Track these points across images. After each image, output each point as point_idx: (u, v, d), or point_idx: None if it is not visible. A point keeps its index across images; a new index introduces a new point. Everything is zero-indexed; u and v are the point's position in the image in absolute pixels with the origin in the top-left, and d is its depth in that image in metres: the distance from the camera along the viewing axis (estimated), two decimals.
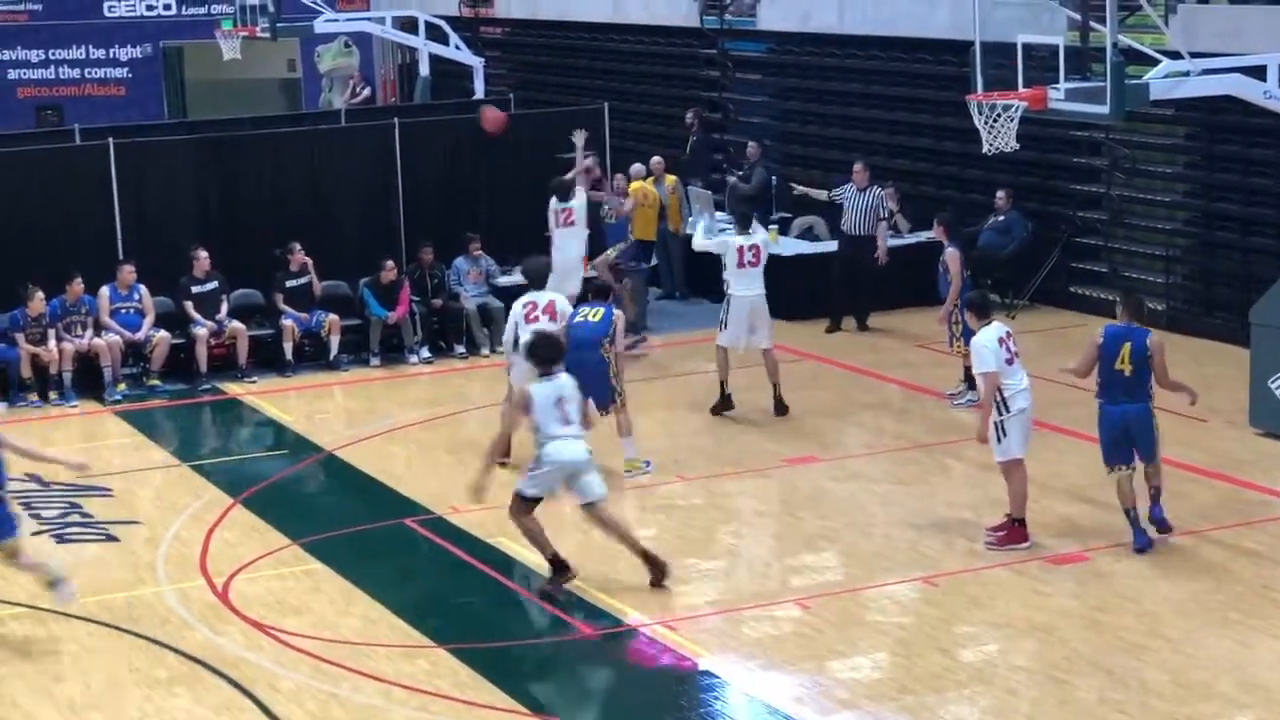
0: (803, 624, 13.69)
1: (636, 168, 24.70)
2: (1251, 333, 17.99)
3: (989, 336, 14.84)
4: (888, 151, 25.92)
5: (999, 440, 14.78)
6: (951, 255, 18.75)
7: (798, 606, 13.98)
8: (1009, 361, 14.81)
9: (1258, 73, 17.13)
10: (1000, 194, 23.04)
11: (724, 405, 19.09)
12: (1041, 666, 12.72)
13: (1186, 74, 17.34)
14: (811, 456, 17.70)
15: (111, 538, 16.13)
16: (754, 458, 17.69)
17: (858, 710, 12.12)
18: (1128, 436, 14.51)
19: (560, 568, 14.13)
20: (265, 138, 24.21)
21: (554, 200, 21.08)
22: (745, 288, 18.79)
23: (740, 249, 18.84)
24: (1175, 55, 17.53)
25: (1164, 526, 14.70)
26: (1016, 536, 14.92)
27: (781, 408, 18.92)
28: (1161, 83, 17.16)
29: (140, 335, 21.13)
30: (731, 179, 26.72)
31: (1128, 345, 14.33)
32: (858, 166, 22.87)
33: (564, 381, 14.22)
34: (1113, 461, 14.61)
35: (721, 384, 19.02)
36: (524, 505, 14.19)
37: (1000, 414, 14.69)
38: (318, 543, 15.80)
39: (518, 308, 17.33)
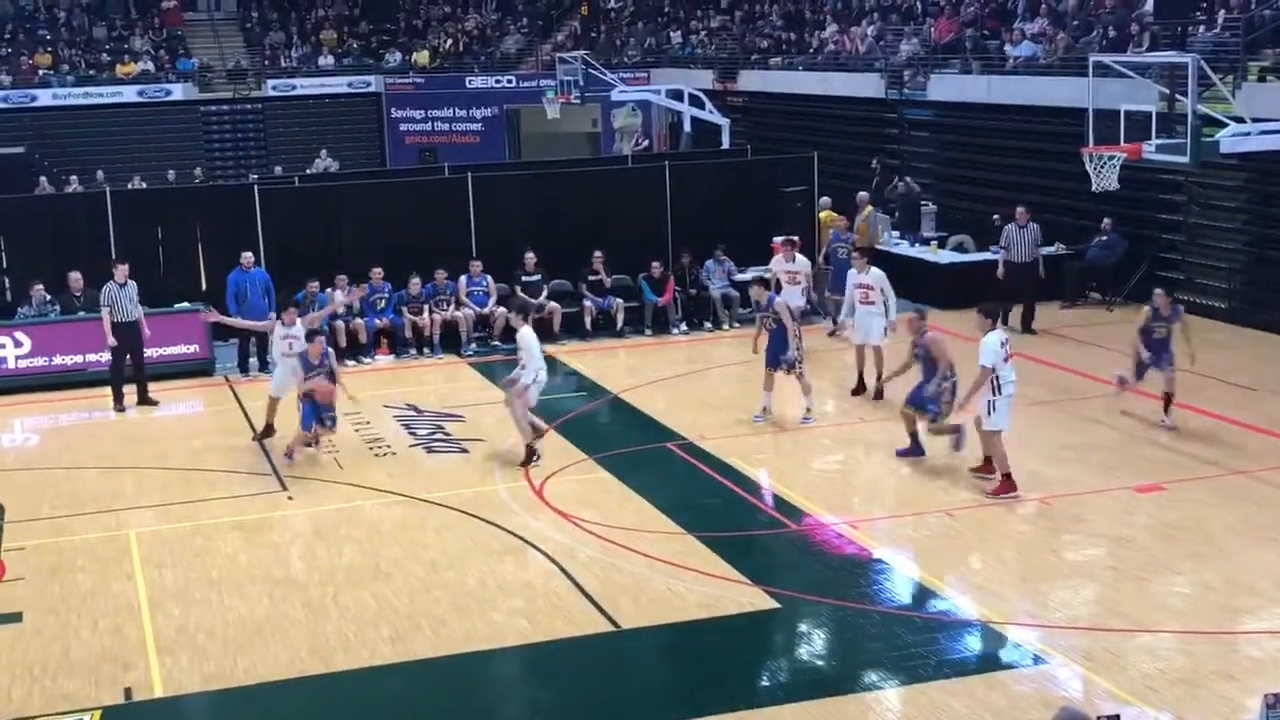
0: (949, 529, 13.49)
1: (825, 200, 24.53)
2: None
3: (995, 339, 14.14)
4: (1020, 188, 25.34)
5: (989, 414, 14.16)
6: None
7: (946, 515, 13.78)
8: (1006, 359, 14.17)
9: None
10: (1105, 221, 22.53)
11: (859, 388, 18.09)
12: (1127, 567, 12.38)
13: (1248, 134, 16.86)
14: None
15: (464, 450, 16.39)
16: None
17: (988, 591, 11.93)
18: None
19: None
20: (576, 174, 24.39)
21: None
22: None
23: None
24: (1239, 119, 17.04)
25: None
26: (1008, 488, 14.14)
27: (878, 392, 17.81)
28: (1229, 139, 16.73)
29: (486, 310, 21.48)
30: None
31: None
32: (1020, 209, 21.41)
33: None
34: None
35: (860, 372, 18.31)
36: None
37: (993, 395, 14.09)
38: (605, 458, 15.90)
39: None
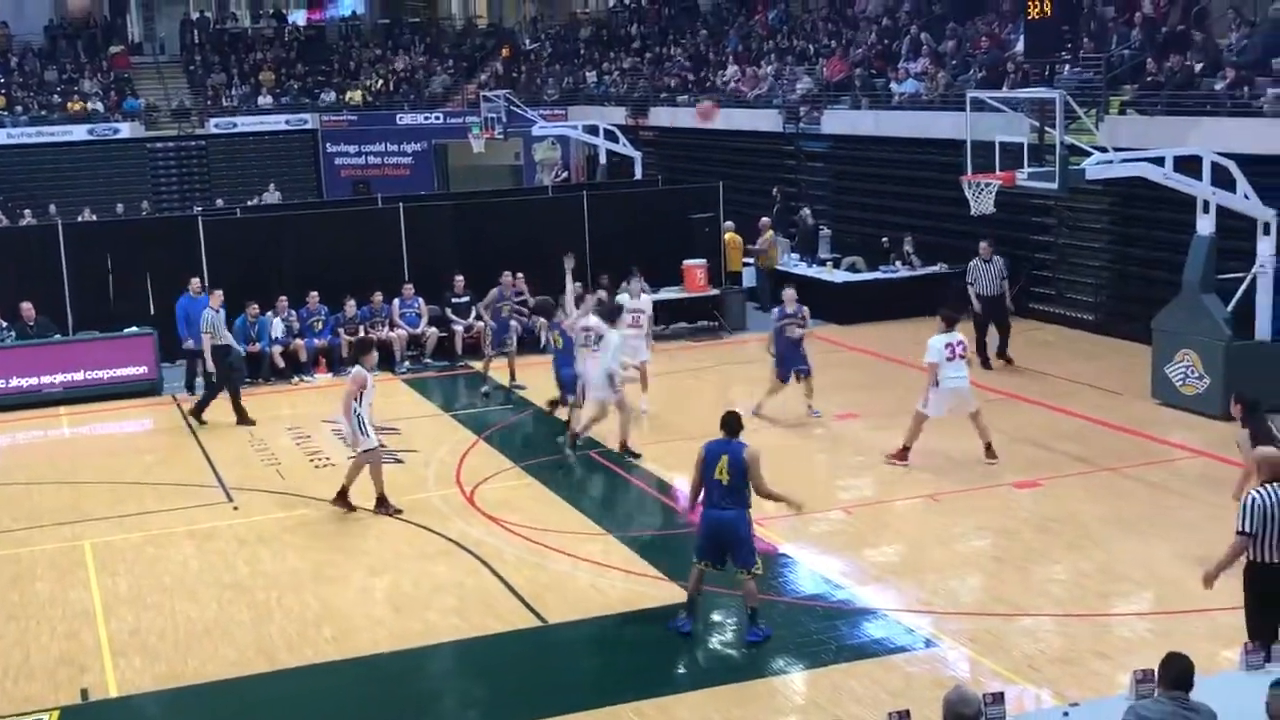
0: (848, 525, 13.58)
1: (728, 224, 24.56)
2: (1153, 335, 17.67)
3: (940, 341, 15.04)
4: (908, 213, 25.62)
5: (924, 403, 15.10)
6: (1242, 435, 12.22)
7: (845, 513, 13.87)
8: (950, 359, 14.97)
9: (1159, 161, 16.85)
10: (983, 243, 22.72)
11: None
12: (1008, 557, 12.54)
13: (1110, 162, 17.12)
14: (853, 414, 17.55)
15: (399, 460, 16.26)
16: (815, 416, 17.53)
17: (883, 581, 12.03)
18: (721, 542, 10.90)
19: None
20: (500, 203, 24.28)
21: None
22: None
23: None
24: (1103, 149, 17.31)
25: (756, 639, 10.86)
26: (903, 456, 15.19)
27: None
28: (1094, 167, 16.97)
29: (418, 330, 21.33)
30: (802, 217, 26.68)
31: (725, 457, 10.76)
32: (984, 244, 20.31)
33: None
34: (700, 555, 11.02)
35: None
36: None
37: (934, 386, 14.98)
38: (531, 465, 15.87)
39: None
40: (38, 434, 18.44)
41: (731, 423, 11.00)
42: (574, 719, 9.67)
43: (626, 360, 17.09)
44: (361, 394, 13.95)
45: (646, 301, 18.61)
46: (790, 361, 17.06)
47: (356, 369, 14.27)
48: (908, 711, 6.88)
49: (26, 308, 19.74)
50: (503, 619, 11.41)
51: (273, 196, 35.39)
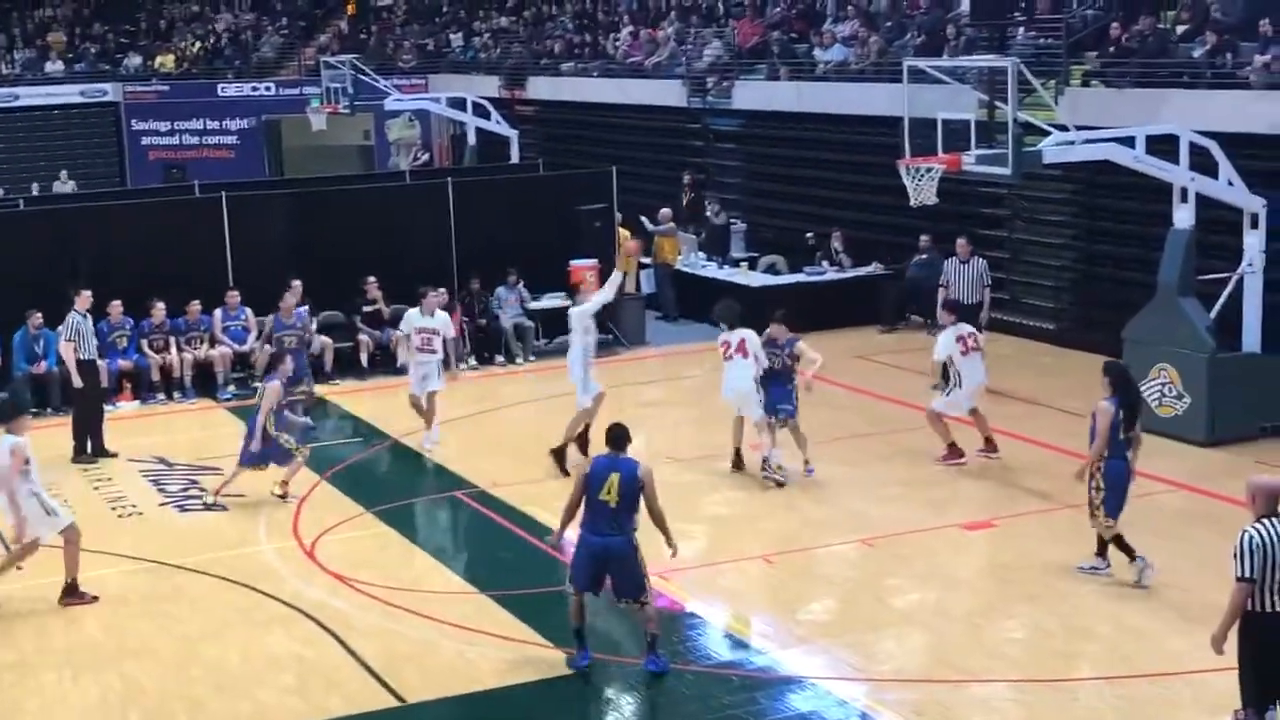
0: (768, 576, 13.66)
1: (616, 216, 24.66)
2: (1124, 346, 17.94)
3: (951, 335, 16.35)
4: (836, 204, 25.90)
5: (945, 395, 16.44)
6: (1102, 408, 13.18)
7: (764, 562, 13.95)
8: (964, 353, 16.31)
9: (1128, 142, 17.15)
10: (924, 238, 23.05)
11: None
12: (957, 612, 12.69)
13: (1072, 143, 17.38)
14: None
15: (223, 508, 16.05)
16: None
17: (810, 643, 12.11)
18: (603, 571, 11.42)
19: None
20: (346, 192, 24.16)
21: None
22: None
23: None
24: (1063, 128, 17.57)
25: (654, 669, 11.51)
26: (956, 454, 16.42)
27: None
28: (1052, 149, 17.21)
29: (246, 347, 21.12)
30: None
31: (615, 476, 11.24)
32: (961, 241, 20.89)
33: None
34: (579, 585, 11.55)
35: None
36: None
37: (952, 382, 16.36)
38: (386, 510, 15.77)
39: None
40: None
41: (619, 436, 11.35)
42: None
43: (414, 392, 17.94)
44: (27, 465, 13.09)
45: (442, 319, 18.51)
46: (772, 398, 16.35)
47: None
48: None
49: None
50: (351, 699, 11.29)
51: (66, 186, 34.81)
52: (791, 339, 16.48)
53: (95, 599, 13.38)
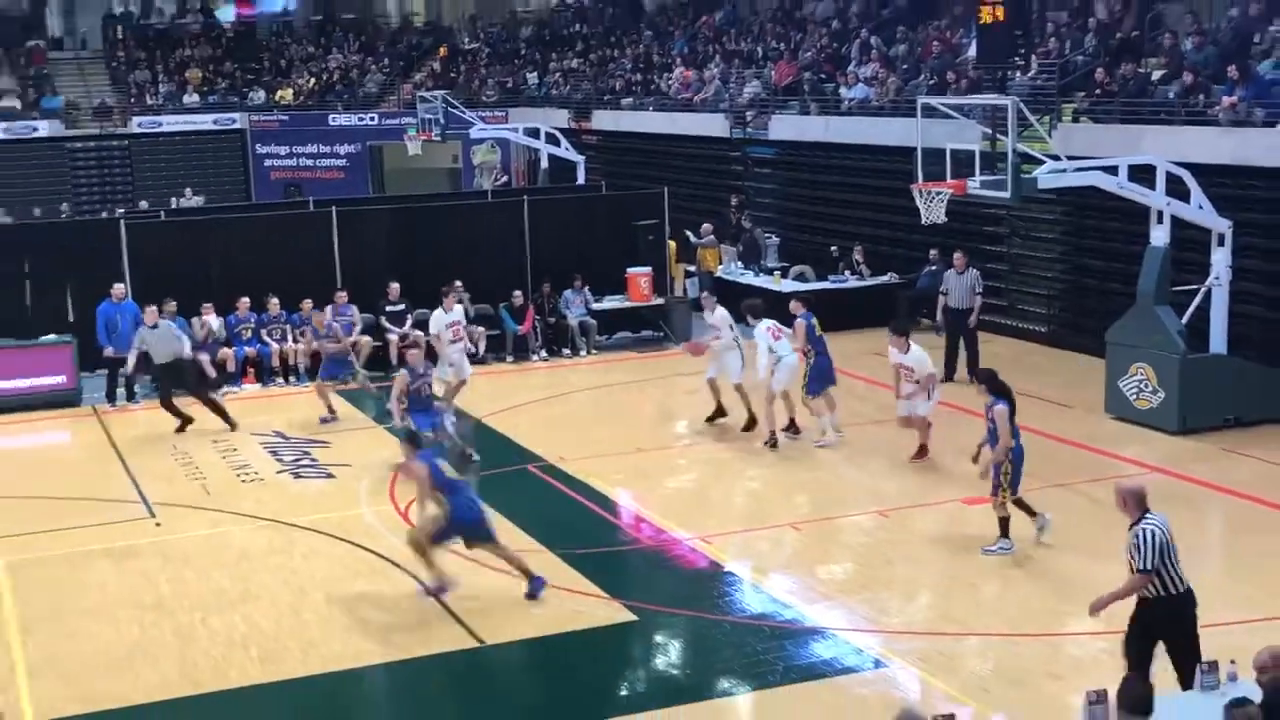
0: (795, 542, 13.63)
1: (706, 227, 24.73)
2: (1107, 348, 17.85)
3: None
4: (857, 222, 25.78)
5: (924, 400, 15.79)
6: (999, 411, 13.06)
7: (793, 529, 13.93)
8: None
9: (1112, 170, 17.02)
10: (933, 252, 22.93)
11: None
12: (959, 575, 12.62)
13: (1063, 171, 17.27)
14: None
15: (330, 475, 16.16)
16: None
17: (831, 600, 12.07)
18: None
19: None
20: (437, 208, 24.19)
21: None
22: None
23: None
24: (1055, 158, 17.47)
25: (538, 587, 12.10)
26: (924, 453, 15.95)
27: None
28: (1046, 176, 17.10)
29: (351, 339, 21.19)
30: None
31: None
32: (958, 255, 20.31)
33: None
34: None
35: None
36: None
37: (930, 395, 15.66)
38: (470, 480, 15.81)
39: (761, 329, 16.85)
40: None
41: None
42: None
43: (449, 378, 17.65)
44: None
45: (459, 312, 18.64)
46: (820, 376, 16.89)
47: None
48: None
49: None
50: (438, 640, 11.33)
51: (191, 201, 35.02)
52: (806, 314, 16.92)
53: None
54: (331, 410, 18.62)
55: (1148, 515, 9.08)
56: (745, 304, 17.62)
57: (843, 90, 27.72)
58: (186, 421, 18.03)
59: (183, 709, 10.32)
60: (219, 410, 18.21)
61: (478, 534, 12.06)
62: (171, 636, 11.54)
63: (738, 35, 34.91)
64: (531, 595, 12.04)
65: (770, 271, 25.39)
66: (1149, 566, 8.89)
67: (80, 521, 14.60)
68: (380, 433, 17.99)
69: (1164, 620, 9.01)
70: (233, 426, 18.03)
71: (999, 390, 13.01)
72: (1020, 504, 13.06)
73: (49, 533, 14.24)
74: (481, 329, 21.87)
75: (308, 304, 20.95)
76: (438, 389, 16.98)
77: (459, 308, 18.71)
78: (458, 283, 21.18)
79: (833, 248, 25.42)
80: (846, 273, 24.61)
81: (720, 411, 17.60)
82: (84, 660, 11.12)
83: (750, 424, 17.18)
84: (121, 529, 14.34)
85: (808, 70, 29.63)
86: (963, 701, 9.89)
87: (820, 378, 16.80)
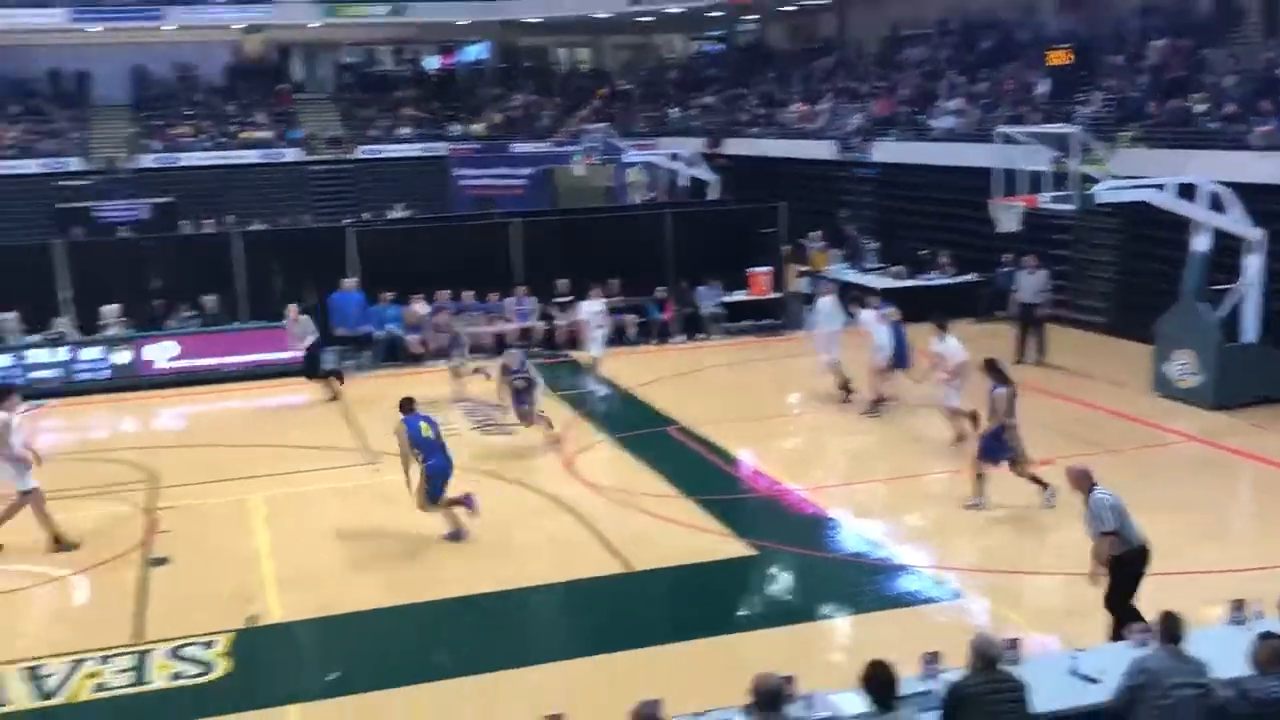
0: (888, 494, 13.50)
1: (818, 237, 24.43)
2: (1155, 337, 17.35)
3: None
4: (944, 230, 25.28)
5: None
6: (1000, 394, 12.74)
7: (884, 484, 13.79)
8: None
9: (1161, 188, 16.49)
10: (1007, 255, 22.39)
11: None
12: (1026, 524, 12.37)
13: (1120, 188, 16.82)
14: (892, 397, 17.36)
15: (511, 433, 16.21)
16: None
17: (918, 542, 11.94)
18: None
19: None
20: (598, 219, 24.33)
21: None
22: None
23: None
24: (1114, 177, 17.02)
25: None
26: (963, 439, 14.75)
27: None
28: (1105, 192, 16.66)
29: (528, 324, 21.41)
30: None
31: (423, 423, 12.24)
32: (1029, 257, 19.75)
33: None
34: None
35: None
36: None
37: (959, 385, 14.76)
38: (621, 438, 15.93)
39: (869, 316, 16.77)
40: (216, 405, 18.79)
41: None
42: (654, 651, 9.68)
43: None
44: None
45: (602, 303, 19.49)
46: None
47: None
48: (938, 653, 6.85)
49: (209, 300, 20.18)
50: (595, 566, 11.45)
51: (400, 213, 35.63)
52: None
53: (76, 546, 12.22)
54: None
55: (1095, 488, 8.90)
56: (851, 296, 17.49)
57: (932, 121, 27.22)
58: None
59: (399, 614, 10.58)
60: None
61: (433, 494, 12.14)
62: (391, 558, 11.82)
63: (845, 75, 34.44)
64: (453, 537, 12.16)
65: (870, 271, 25.06)
66: (1111, 528, 8.77)
67: (317, 465, 15.02)
68: (552, 399, 18.17)
69: (1133, 571, 8.85)
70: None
71: (1000, 376, 12.68)
72: (1035, 478, 12.62)
73: (294, 474, 14.66)
74: (633, 317, 21.98)
75: (494, 295, 21.23)
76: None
77: (604, 301, 18.84)
78: (613, 281, 21.36)
79: (923, 250, 24.99)
80: (934, 272, 24.18)
81: (847, 386, 17.22)
82: (321, 575, 11.47)
83: (846, 392, 17.02)
84: (348, 473, 14.73)
85: (904, 104, 29.15)
86: (1028, 629, 9.72)
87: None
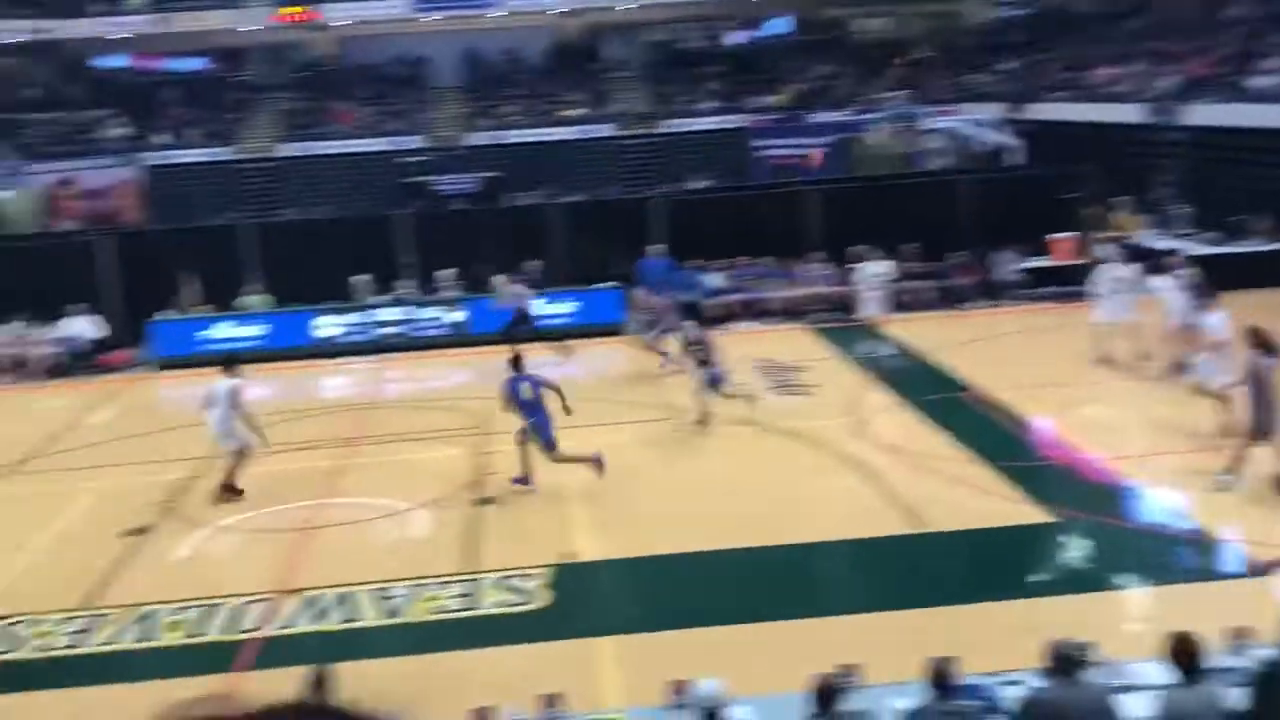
0: (1190, 466, 12.70)
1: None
2: None
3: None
4: (1259, 194, 23.29)
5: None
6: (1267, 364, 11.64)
7: (1182, 456, 12.98)
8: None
9: None
10: None
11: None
12: None
13: None
14: None
15: (807, 394, 16.38)
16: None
17: (1217, 515, 11.19)
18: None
19: None
20: (897, 185, 23.97)
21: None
22: None
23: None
24: None
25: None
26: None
27: None
28: None
29: (826, 290, 21.32)
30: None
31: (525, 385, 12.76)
32: None
33: None
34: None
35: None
36: None
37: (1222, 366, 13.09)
38: (916, 401, 15.72)
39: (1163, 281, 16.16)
40: (538, 361, 19.64)
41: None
42: (947, 611, 9.55)
43: None
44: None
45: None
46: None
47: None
48: (1248, 628, 6.50)
49: (532, 265, 21.16)
50: (889, 524, 11.39)
51: (695, 184, 36.02)
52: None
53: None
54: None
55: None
56: (1151, 263, 16.39)
57: (1251, 81, 25.04)
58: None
59: (698, 560, 10.88)
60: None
61: (547, 444, 12.63)
62: (692, 509, 12.09)
63: (1156, 36, 32.12)
64: (520, 482, 12.70)
65: (1181, 236, 23.42)
66: None
67: (623, 419, 15.58)
68: (846, 363, 18.13)
69: None
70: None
71: (1267, 346, 11.61)
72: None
73: (603, 426, 15.03)
74: (932, 281, 21.54)
75: (791, 261, 21.30)
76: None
77: (887, 264, 19.00)
78: (908, 246, 20.94)
79: (1239, 217, 23.11)
80: (1252, 238, 22.33)
81: (1144, 354, 16.41)
82: (627, 521, 11.96)
83: (1144, 359, 16.22)
84: (646, 428, 15.13)
85: (1220, 65, 26.94)
86: None
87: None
